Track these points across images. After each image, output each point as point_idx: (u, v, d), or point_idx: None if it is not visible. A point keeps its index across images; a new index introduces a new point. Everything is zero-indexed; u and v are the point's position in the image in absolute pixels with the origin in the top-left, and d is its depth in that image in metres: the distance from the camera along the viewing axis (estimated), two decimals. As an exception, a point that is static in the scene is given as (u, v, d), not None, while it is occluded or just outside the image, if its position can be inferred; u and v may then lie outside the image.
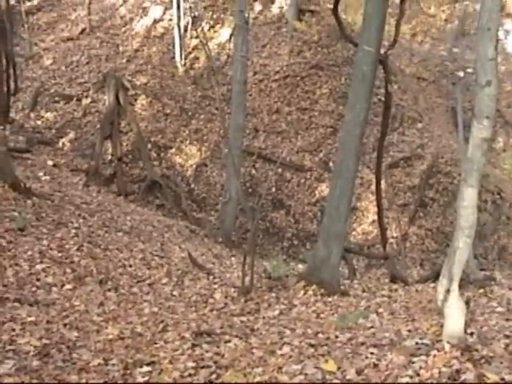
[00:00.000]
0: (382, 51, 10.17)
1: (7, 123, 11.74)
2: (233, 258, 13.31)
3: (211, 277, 10.68)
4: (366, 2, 9.29)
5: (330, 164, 18.98)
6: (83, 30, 23.37)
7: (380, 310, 8.03)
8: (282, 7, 23.61)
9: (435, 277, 9.36)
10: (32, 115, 20.12)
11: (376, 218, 14.03)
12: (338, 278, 9.77)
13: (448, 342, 5.59)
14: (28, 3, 23.75)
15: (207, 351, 6.51)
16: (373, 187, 13.89)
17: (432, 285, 9.77)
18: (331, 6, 10.97)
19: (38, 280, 8.31)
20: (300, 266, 12.82)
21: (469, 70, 21.00)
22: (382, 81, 13.12)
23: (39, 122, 19.94)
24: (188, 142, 20.28)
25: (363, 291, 9.77)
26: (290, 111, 20.98)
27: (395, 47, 12.14)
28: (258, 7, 23.76)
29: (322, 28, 22.13)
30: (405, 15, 13.02)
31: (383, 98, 13.26)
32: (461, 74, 21.98)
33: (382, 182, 14.87)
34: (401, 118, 20.46)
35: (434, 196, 18.35)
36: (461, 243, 5.38)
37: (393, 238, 17.25)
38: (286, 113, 20.95)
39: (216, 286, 10.07)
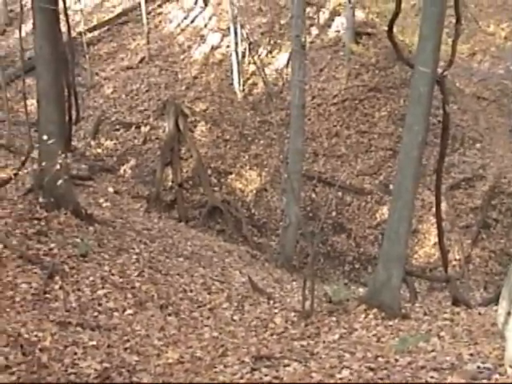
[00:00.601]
0: (439, 72, 10.10)
1: (69, 151, 11.99)
2: (294, 283, 13.26)
3: (272, 301, 10.67)
4: (422, 23, 9.26)
5: (391, 187, 18.79)
6: (142, 59, 23.74)
7: (441, 334, 7.92)
8: (339, 31, 23.61)
9: (499, 299, 9.19)
10: (93, 143, 20.52)
11: (437, 240, 13.84)
12: (398, 302, 9.65)
13: (510, 367, 5.48)
14: (89, 34, 24.24)
15: (266, 375, 6.51)
16: (434, 209, 13.72)
17: (495, 307, 9.58)
18: (387, 28, 10.94)
19: (99, 305, 8.45)
20: (361, 289, 12.71)
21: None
22: (440, 102, 12.99)
23: (100, 150, 20.32)
24: (248, 167, 20.39)
25: (424, 314, 9.63)
26: (349, 134, 20.93)
27: (454, 67, 12.06)
28: (314, 31, 23.81)
29: (379, 50, 22.05)
30: (462, 34, 12.94)
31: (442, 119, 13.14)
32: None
33: (444, 203, 14.72)
34: (461, 139, 20.19)
35: (497, 217, 18.02)
36: (521, 264, 5.29)
37: (455, 260, 16.97)
38: (345, 136, 20.90)
39: (276, 311, 10.06)
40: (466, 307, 10.44)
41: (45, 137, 10.07)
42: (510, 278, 5.38)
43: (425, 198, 18.36)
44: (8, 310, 7.66)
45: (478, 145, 20.20)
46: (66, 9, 11.71)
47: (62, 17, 11.35)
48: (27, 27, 19.97)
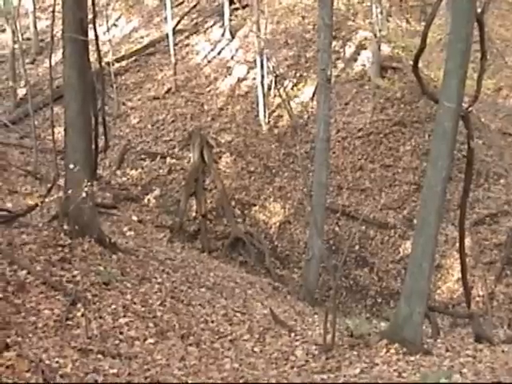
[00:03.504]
0: (464, 107, 10.11)
1: (95, 180, 12.11)
2: (315, 316, 13.18)
3: (293, 334, 10.61)
4: (447, 58, 9.30)
5: (414, 221, 18.66)
6: (169, 90, 23.98)
7: (464, 371, 7.83)
8: (365, 65, 23.72)
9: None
10: (119, 172, 20.69)
11: (461, 276, 13.74)
12: (420, 337, 9.58)
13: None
14: (117, 64, 24.55)
15: (286, 407, 6.48)
16: (457, 245, 13.64)
17: (520, 345, 9.50)
18: (412, 63, 10.98)
19: (121, 333, 8.47)
20: (383, 324, 12.61)
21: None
22: (465, 137, 12.98)
23: (125, 179, 20.48)
24: (272, 199, 20.43)
25: (447, 350, 9.53)
26: (373, 168, 20.93)
27: (479, 102, 12.04)
28: (340, 65, 23.93)
29: (404, 85, 22.09)
30: (487, 70, 12.95)
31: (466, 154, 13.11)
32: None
33: (468, 239, 14.63)
34: (486, 174, 20.09)
35: (521, 254, 17.88)
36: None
37: (479, 296, 16.79)
38: (370, 170, 20.90)
39: (297, 343, 10.00)
40: (489, 344, 10.32)
41: (71, 165, 10.20)
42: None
43: (448, 233, 18.24)
44: (30, 335, 7.70)
45: (502, 180, 20.08)
46: (97, 39, 11.90)
47: (90, 47, 11.50)
48: (57, 56, 20.29)
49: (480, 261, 17.59)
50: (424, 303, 9.59)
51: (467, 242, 14.70)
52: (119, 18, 28.01)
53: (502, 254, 17.90)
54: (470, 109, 10.53)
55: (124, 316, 9.04)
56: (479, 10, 9.99)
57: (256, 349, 9.46)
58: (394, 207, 19.97)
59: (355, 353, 9.35)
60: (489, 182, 20.01)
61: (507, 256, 17.83)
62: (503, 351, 9.36)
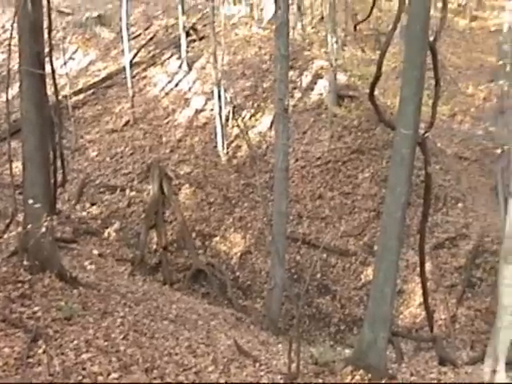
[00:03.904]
0: (421, 133, 10.26)
1: (54, 214, 11.99)
2: (279, 345, 13.17)
3: (258, 364, 10.59)
4: (403, 86, 9.45)
5: (375, 247, 18.77)
6: (127, 122, 23.93)
7: (429, 394, 7.88)
8: (322, 94, 23.91)
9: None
10: (78, 206, 20.53)
11: (423, 300, 13.84)
12: (385, 362, 9.63)
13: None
14: (74, 98, 24.45)
15: None
16: (418, 269, 13.77)
17: (482, 366, 9.56)
18: (368, 91, 11.14)
19: (83, 369, 8.36)
20: (347, 351, 12.66)
21: (506, 147, 20.88)
22: (422, 162, 13.17)
23: (85, 213, 20.33)
24: (232, 229, 20.42)
25: (411, 375, 9.61)
26: (332, 196, 21.04)
27: (435, 128, 12.23)
28: (297, 94, 24.10)
29: (361, 112, 22.31)
30: (442, 96, 13.17)
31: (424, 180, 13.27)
32: (499, 151, 21.87)
33: (428, 263, 14.76)
34: (444, 199, 20.31)
35: (481, 275, 18.00)
36: (504, 322, 5.33)
37: (441, 319, 16.90)
38: (329, 198, 21.01)
39: (262, 373, 9.99)
40: (453, 366, 10.44)
41: (30, 200, 10.11)
42: (495, 337, 5.41)
43: (409, 258, 18.37)
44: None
45: (460, 204, 20.33)
46: (53, 73, 11.85)
47: (47, 80, 11.45)
48: (13, 90, 20.16)
49: (441, 284, 17.73)
50: (387, 328, 9.66)
51: (428, 266, 14.82)
52: (76, 51, 27.92)
53: (462, 277, 18.06)
54: (427, 135, 10.70)
55: (87, 351, 8.93)
56: (432, 39, 10.20)
57: (221, 380, 9.42)
58: (354, 234, 20.07)
59: (320, 380, 9.38)
60: (447, 207, 20.23)
61: (467, 279, 18.00)
62: (466, 373, 9.46)
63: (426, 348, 15.05)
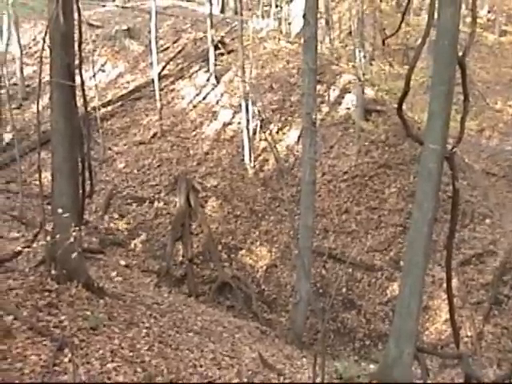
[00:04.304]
0: (448, 148, 10.23)
1: (82, 224, 12.08)
2: (304, 359, 13.13)
3: (282, 377, 10.58)
4: (431, 100, 9.44)
5: (401, 263, 18.68)
6: (155, 134, 24.05)
7: (454, 411, 7.83)
8: (349, 108, 23.95)
9: (512, 376, 9.12)
10: (105, 217, 20.65)
11: (449, 316, 13.73)
12: (410, 378, 9.58)
13: None
14: (103, 109, 24.63)
15: None
16: (445, 285, 13.68)
17: (509, 385, 9.48)
18: (396, 106, 11.12)
19: (108, 379, 8.39)
20: (372, 366, 12.59)
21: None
22: (450, 178, 13.10)
23: (112, 224, 20.44)
24: (258, 243, 20.45)
25: (437, 391, 9.54)
26: (359, 211, 21.01)
27: (463, 143, 12.17)
28: (325, 109, 24.13)
29: (388, 127, 22.29)
30: (470, 111, 13.11)
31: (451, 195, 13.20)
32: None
33: (454, 279, 14.65)
34: (471, 215, 20.21)
35: (508, 293, 17.83)
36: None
37: (467, 337, 16.76)
38: (356, 212, 20.98)
39: (287, 387, 9.98)
40: (479, 384, 10.33)
41: (59, 210, 10.19)
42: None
43: (435, 274, 18.27)
44: (17, 381, 7.63)
45: (487, 220, 20.20)
46: (83, 84, 11.95)
47: (77, 92, 11.57)
48: (43, 101, 20.38)
49: (467, 301, 17.60)
50: (413, 344, 9.61)
51: (454, 282, 14.71)
52: (105, 63, 28.16)
53: (489, 294, 17.92)
54: (455, 150, 10.64)
55: (112, 361, 8.96)
56: (460, 54, 10.16)
57: (245, 393, 9.41)
58: (380, 249, 20.01)
59: (345, 395, 9.32)
60: (474, 223, 20.11)
61: (494, 296, 17.85)
62: (493, 391, 9.36)
63: (452, 365, 14.93)
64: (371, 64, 24.04)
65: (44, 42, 11.64)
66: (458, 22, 9.27)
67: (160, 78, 25.08)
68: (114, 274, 15.51)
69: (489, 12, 36.31)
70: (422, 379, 11.02)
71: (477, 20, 12.39)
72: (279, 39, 28.41)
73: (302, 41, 15.85)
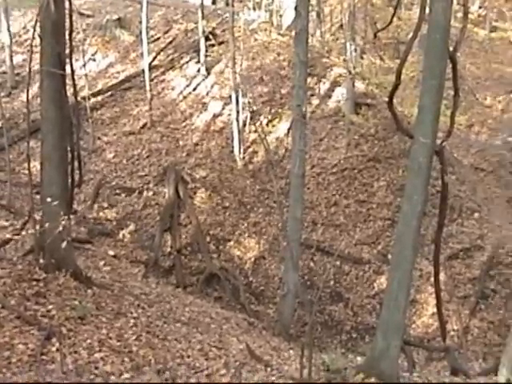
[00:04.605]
0: (438, 142, 10.25)
1: (70, 214, 12.06)
2: (291, 351, 13.15)
3: (269, 369, 10.58)
4: (421, 94, 9.44)
5: (389, 256, 18.75)
6: (144, 125, 24.00)
7: (440, 404, 7.86)
8: (339, 101, 23.96)
9: (498, 370, 9.15)
10: (94, 207, 20.61)
11: (436, 310, 13.79)
12: (397, 371, 9.60)
13: None
14: (93, 99, 24.53)
15: None
16: (432, 279, 13.73)
17: (495, 377, 9.52)
18: (387, 99, 11.13)
19: (96, 368, 8.41)
20: (359, 358, 12.62)
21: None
22: (439, 172, 13.13)
23: (101, 214, 20.42)
24: (246, 234, 20.46)
25: (423, 384, 9.58)
26: (347, 204, 21.04)
27: (452, 138, 12.19)
28: (315, 101, 24.14)
29: (378, 121, 22.32)
30: (460, 106, 13.14)
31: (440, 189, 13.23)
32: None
33: (442, 273, 14.69)
34: (459, 209, 20.27)
35: (495, 287, 17.92)
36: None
37: (453, 330, 16.84)
38: (344, 205, 21.01)
39: (274, 378, 9.98)
40: (465, 377, 10.38)
41: (48, 199, 10.17)
42: (509, 347, 5.40)
43: (423, 267, 18.33)
44: (4, 370, 7.64)
45: (476, 215, 20.28)
46: (73, 73, 11.89)
47: (67, 81, 11.52)
48: (33, 90, 20.31)
49: (454, 295, 17.68)
50: (400, 337, 9.63)
51: (441, 276, 14.74)
52: (95, 53, 28.03)
53: (475, 288, 18.01)
54: (444, 144, 10.67)
55: (99, 351, 8.97)
56: (451, 48, 10.18)
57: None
58: (368, 242, 20.06)
59: (332, 387, 9.34)
60: (462, 217, 20.18)
61: (481, 290, 17.94)
62: (479, 383, 9.40)
63: (438, 358, 15.01)
64: (362, 57, 24.06)
65: (34, 30, 11.62)
66: (449, 17, 9.26)
67: (150, 68, 24.97)
68: (101, 263, 15.50)
69: (480, 8, 36.31)
70: (409, 371, 11.07)
71: (468, 15, 12.42)
72: (270, 31, 28.36)
73: (294, 33, 15.84)
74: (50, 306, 9.85)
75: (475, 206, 20.74)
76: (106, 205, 20.76)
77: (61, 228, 9.48)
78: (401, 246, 9.63)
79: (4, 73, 26.72)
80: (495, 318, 17.43)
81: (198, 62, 26.51)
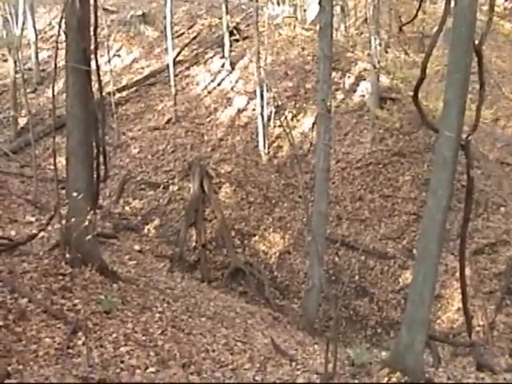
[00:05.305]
0: (464, 136, 10.17)
1: (96, 209, 12.14)
2: (316, 345, 13.14)
3: (294, 363, 10.58)
4: (446, 88, 9.37)
5: (414, 251, 18.69)
6: (169, 120, 24.08)
7: (466, 399, 7.82)
8: (364, 95, 23.91)
9: (524, 365, 9.10)
10: (119, 202, 20.70)
11: (461, 305, 13.70)
12: (422, 366, 9.55)
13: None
14: (118, 95, 24.64)
15: None
16: (457, 274, 13.64)
17: (522, 374, 9.47)
18: (412, 94, 11.07)
19: (122, 362, 8.46)
20: (383, 353, 12.57)
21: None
22: (464, 166, 13.03)
23: (126, 209, 20.51)
24: (271, 229, 20.46)
25: (448, 379, 9.52)
26: (372, 198, 20.99)
27: (477, 132, 12.09)
28: (339, 96, 24.10)
29: (403, 115, 22.22)
30: (485, 100, 13.03)
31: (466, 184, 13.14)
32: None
33: (467, 268, 14.58)
34: (485, 204, 20.14)
35: (521, 283, 17.85)
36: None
37: (479, 326, 16.74)
38: (369, 200, 20.96)
39: (299, 373, 9.97)
40: (491, 373, 10.30)
41: (74, 193, 10.24)
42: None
43: (448, 262, 18.24)
44: (31, 363, 7.71)
45: (501, 210, 20.13)
46: (98, 69, 11.94)
47: (92, 77, 11.58)
48: (58, 86, 20.44)
49: (480, 290, 17.57)
50: (425, 331, 9.58)
51: (467, 271, 14.63)
52: (120, 48, 28.20)
53: (501, 284, 17.88)
54: (470, 138, 10.58)
55: (125, 345, 9.03)
56: (477, 42, 10.09)
57: (257, 378, 9.43)
58: (393, 237, 20.00)
59: (356, 381, 9.33)
60: (488, 212, 20.05)
61: (507, 285, 17.81)
62: (505, 379, 9.33)
63: (463, 354, 14.91)
64: (386, 52, 23.92)
65: (60, 26, 11.68)
66: (475, 10, 9.18)
67: (175, 63, 25.05)
68: (127, 258, 15.60)
69: (506, 0, 36.00)
70: (434, 367, 11.01)
71: (494, 8, 12.30)
72: (294, 26, 28.35)
73: (318, 27, 15.82)
74: (76, 301, 9.92)
75: (501, 200, 20.57)
76: (131, 200, 20.86)
77: (86, 223, 9.55)
78: (426, 240, 9.57)
79: (30, 69, 26.93)
80: (521, 313, 17.33)
81: (223, 56, 26.57)
